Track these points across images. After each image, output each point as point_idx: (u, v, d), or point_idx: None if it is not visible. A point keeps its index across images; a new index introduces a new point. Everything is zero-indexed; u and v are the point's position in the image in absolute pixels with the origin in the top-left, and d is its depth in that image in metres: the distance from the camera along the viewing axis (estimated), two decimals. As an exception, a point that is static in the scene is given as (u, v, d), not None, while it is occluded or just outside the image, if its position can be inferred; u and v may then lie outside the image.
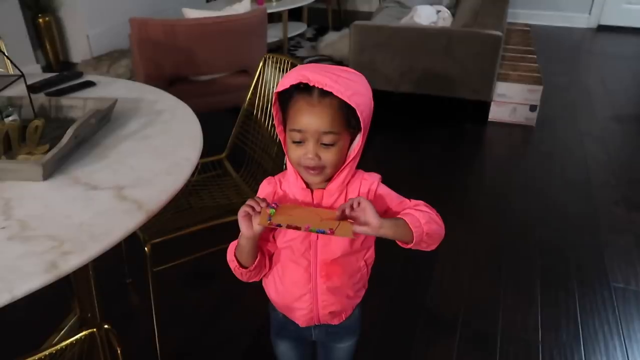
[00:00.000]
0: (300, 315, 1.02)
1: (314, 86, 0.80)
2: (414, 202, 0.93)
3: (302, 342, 1.16)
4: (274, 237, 0.97)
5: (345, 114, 0.82)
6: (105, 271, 1.89)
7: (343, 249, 0.93)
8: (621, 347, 1.70)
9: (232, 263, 0.97)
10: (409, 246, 0.87)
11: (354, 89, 0.81)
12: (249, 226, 0.85)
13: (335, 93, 0.79)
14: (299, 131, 0.83)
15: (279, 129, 0.89)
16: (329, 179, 0.89)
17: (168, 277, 1.76)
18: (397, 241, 0.87)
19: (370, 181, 0.92)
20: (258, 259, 0.94)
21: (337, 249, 0.93)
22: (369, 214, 0.80)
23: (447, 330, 1.76)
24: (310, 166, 0.84)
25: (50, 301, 1.64)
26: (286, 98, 0.84)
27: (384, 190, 0.93)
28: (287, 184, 0.93)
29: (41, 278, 0.80)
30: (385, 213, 0.92)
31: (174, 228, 1.54)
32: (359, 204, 0.81)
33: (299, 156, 0.85)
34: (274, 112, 0.88)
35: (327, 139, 0.82)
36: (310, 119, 0.81)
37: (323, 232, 0.81)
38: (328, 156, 0.84)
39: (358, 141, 0.87)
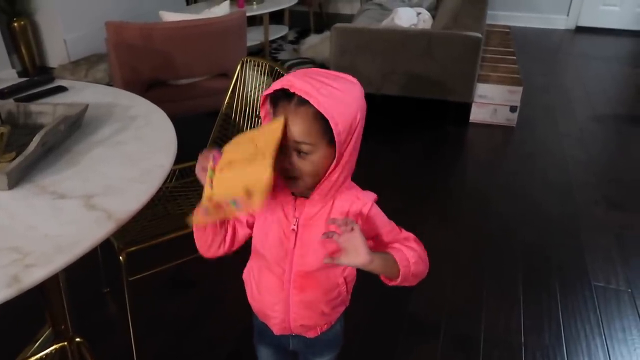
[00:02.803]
0: (274, 324, 1.01)
1: (294, 92, 0.77)
2: (404, 233, 0.90)
3: (282, 350, 1.13)
4: (248, 222, 0.94)
5: (324, 125, 0.77)
6: (82, 281, 1.86)
7: (320, 263, 0.87)
8: (603, 347, 1.70)
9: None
10: (392, 283, 0.86)
11: (336, 98, 0.77)
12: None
13: (311, 101, 0.75)
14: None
15: None
16: (311, 189, 0.85)
17: (146, 285, 1.73)
18: (380, 276, 0.85)
19: (363, 202, 0.87)
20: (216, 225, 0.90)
21: (314, 262, 0.89)
22: (360, 247, 0.77)
23: (430, 334, 1.75)
24: (287, 173, 0.82)
25: (26, 311, 1.60)
26: (275, 102, 0.82)
27: (377, 214, 0.88)
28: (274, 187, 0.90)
29: (2, 293, 0.77)
30: (373, 239, 0.89)
31: (150, 236, 1.50)
32: (352, 229, 0.77)
33: (280, 166, 0.82)
34: (262, 114, 0.85)
35: (302, 148, 0.79)
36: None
37: (235, 204, 0.77)
38: (303, 166, 0.80)
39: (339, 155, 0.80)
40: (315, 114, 0.76)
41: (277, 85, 0.79)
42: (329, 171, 0.82)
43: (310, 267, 0.90)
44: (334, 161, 0.81)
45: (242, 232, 0.95)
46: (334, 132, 0.77)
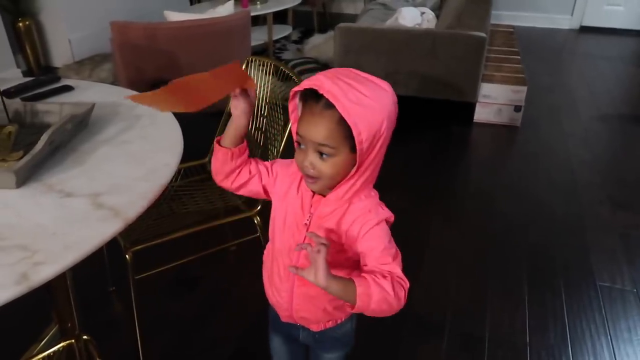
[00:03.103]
0: (280, 310, 1.03)
1: (322, 94, 0.77)
2: (390, 266, 0.83)
3: (293, 341, 1.14)
4: (270, 171, 0.95)
5: (348, 130, 0.77)
6: (88, 279, 1.86)
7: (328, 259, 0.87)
8: (608, 346, 1.70)
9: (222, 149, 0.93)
10: (348, 309, 0.83)
11: (363, 105, 0.77)
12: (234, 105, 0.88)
13: (337, 107, 0.76)
14: (299, 135, 0.83)
15: (293, 127, 0.87)
16: (330, 189, 0.87)
17: (152, 284, 1.74)
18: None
19: (370, 219, 0.85)
20: (237, 149, 0.91)
21: None
22: (319, 270, 0.76)
23: (435, 333, 1.75)
24: (306, 172, 0.84)
25: (33, 309, 1.60)
26: (304, 99, 0.83)
27: (375, 237, 0.85)
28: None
29: (11, 290, 0.77)
30: (355, 254, 0.88)
31: (156, 235, 1.51)
32: (318, 250, 0.77)
33: (300, 161, 0.84)
34: (290, 109, 0.86)
35: (324, 150, 0.81)
36: (308, 128, 0.81)
37: None
38: (323, 167, 0.82)
39: (360, 160, 0.80)
40: (341, 119, 0.77)
41: (307, 83, 0.80)
42: (348, 176, 0.83)
43: None
44: (355, 167, 0.82)
45: (254, 182, 0.95)
46: (356, 140, 0.78)
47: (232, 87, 0.87)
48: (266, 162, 0.97)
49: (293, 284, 0.97)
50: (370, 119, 0.78)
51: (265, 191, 0.97)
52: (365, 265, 0.86)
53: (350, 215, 0.87)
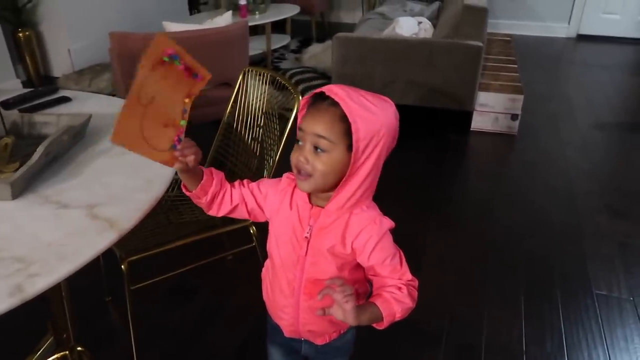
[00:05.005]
0: (284, 325, 1.03)
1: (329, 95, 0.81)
2: (400, 273, 0.90)
3: (293, 353, 1.14)
4: (259, 191, 0.96)
5: (347, 128, 0.80)
6: (84, 290, 1.86)
7: (331, 273, 0.90)
8: (605, 355, 1.69)
9: (187, 193, 0.94)
10: (379, 328, 0.91)
11: (365, 108, 0.80)
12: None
13: (340, 103, 0.79)
14: (301, 130, 0.84)
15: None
16: (320, 192, 0.88)
17: (148, 294, 1.73)
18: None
19: (378, 231, 0.87)
20: (203, 180, 0.91)
21: (326, 270, 0.91)
22: (348, 314, 0.82)
23: (432, 342, 1.74)
24: (300, 168, 0.85)
25: (28, 321, 1.60)
26: (312, 102, 0.86)
27: (384, 248, 0.88)
28: (297, 190, 0.92)
29: (5, 302, 0.77)
30: (362, 261, 0.90)
31: (152, 245, 1.51)
32: (347, 301, 0.81)
33: (295, 157, 0.85)
34: (299, 117, 0.89)
35: (321, 144, 0.82)
36: (310, 119, 0.83)
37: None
38: (317, 162, 0.83)
39: (354, 161, 0.82)
40: (342, 116, 0.80)
41: (317, 90, 0.84)
42: (343, 179, 0.84)
43: (322, 275, 0.91)
44: (349, 168, 0.83)
45: (241, 210, 0.96)
46: (353, 137, 0.80)
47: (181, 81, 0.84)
48: (252, 184, 0.97)
49: (299, 299, 0.96)
50: (370, 121, 0.81)
51: (261, 211, 0.97)
52: (376, 276, 0.91)
53: (356, 226, 0.87)
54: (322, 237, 0.89)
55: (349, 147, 0.81)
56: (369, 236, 0.87)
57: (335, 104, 0.80)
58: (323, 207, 0.89)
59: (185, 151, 0.85)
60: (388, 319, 0.88)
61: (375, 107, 0.82)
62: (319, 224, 0.89)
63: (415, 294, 0.91)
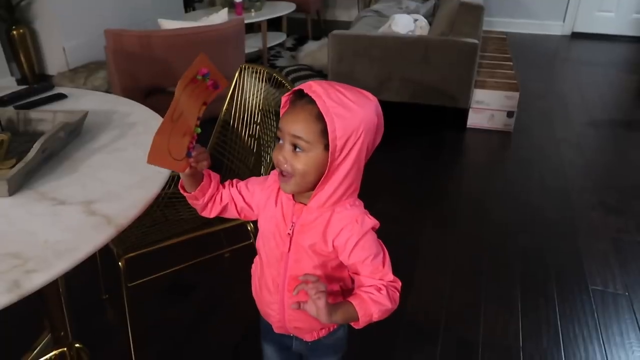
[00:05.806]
0: (273, 322, 1.03)
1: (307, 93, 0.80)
2: (381, 273, 0.88)
3: (286, 350, 1.14)
4: (247, 188, 0.97)
5: (324, 127, 0.79)
6: (81, 287, 1.86)
7: (313, 271, 0.90)
8: (600, 350, 1.70)
9: (185, 194, 0.96)
10: (356, 327, 0.89)
11: (343, 105, 0.78)
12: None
13: (317, 102, 0.78)
14: (280, 129, 0.84)
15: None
16: (302, 191, 0.87)
17: (145, 291, 1.73)
18: None
19: (358, 230, 0.86)
20: (203, 182, 0.93)
21: (308, 267, 0.90)
22: (321, 310, 0.81)
23: (429, 339, 1.75)
24: (279, 167, 0.85)
25: (26, 318, 1.60)
26: (292, 101, 0.86)
27: (365, 247, 0.87)
28: None
29: (3, 298, 0.77)
30: (343, 259, 0.89)
31: (149, 242, 1.51)
32: (319, 298, 0.81)
33: (275, 156, 0.85)
34: (281, 113, 0.88)
35: (298, 143, 0.81)
36: (287, 119, 0.82)
37: None
38: (295, 162, 0.82)
39: (334, 160, 0.81)
40: (319, 114, 0.79)
41: (297, 87, 0.84)
42: (322, 178, 0.83)
43: (305, 272, 0.90)
44: (327, 167, 0.81)
45: (230, 210, 0.97)
46: (330, 136, 0.78)
47: (201, 97, 0.86)
48: (240, 183, 0.97)
49: (283, 296, 0.96)
50: (347, 119, 0.79)
51: (250, 209, 0.97)
52: (357, 274, 0.89)
53: (337, 224, 0.87)
54: (304, 234, 0.89)
55: (327, 145, 0.80)
56: (350, 234, 0.86)
57: (312, 101, 0.79)
58: (306, 204, 0.88)
59: (199, 157, 0.86)
60: (364, 320, 0.86)
61: (353, 104, 0.80)
62: (301, 221, 0.89)
63: (397, 295, 0.88)
